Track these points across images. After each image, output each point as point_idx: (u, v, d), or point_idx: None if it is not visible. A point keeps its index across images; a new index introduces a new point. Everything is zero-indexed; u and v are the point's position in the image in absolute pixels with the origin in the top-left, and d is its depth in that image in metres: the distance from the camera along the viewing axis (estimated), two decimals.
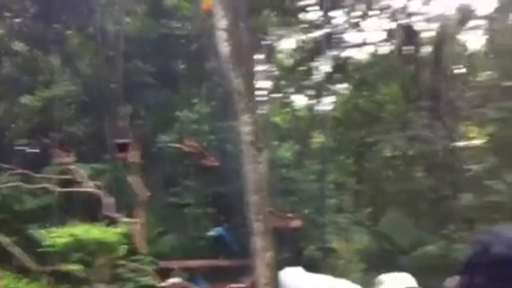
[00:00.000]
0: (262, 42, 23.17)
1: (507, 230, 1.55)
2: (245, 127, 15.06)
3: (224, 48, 15.29)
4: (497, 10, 22.47)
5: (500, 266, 1.49)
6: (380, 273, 4.74)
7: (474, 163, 22.04)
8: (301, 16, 24.15)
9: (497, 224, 1.69)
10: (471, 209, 19.91)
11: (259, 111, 19.01)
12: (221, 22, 15.28)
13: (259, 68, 22.73)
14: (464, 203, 20.46)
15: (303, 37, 24.70)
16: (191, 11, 21.39)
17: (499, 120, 21.46)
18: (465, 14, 22.98)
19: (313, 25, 23.80)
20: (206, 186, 19.85)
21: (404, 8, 23.02)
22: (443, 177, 21.07)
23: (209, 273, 18.74)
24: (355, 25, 23.75)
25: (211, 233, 19.36)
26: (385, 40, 24.13)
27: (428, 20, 23.05)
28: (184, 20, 21.75)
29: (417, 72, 22.82)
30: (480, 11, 22.99)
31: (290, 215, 19.10)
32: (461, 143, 22.42)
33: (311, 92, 25.23)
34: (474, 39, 24.08)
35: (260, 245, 14.68)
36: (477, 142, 22.89)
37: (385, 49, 24.46)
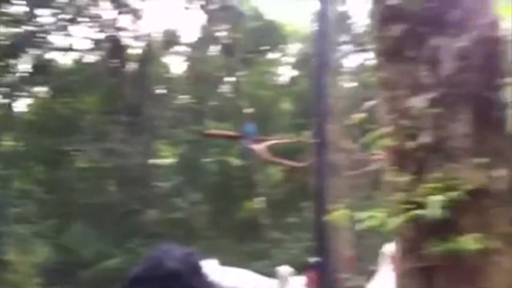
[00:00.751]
0: None
1: (175, 248, 1.73)
2: None
3: None
4: (199, 40, 24.25)
5: (167, 280, 1.64)
6: (57, 286, 4.52)
7: (163, 180, 23.17)
8: (4, 8, 22.21)
9: (178, 239, 1.90)
10: (156, 224, 20.85)
11: None
12: None
13: None
14: (150, 219, 21.32)
15: (3, 30, 22.75)
16: None
17: (188, 142, 23.14)
18: (171, 39, 24.20)
19: (16, 20, 22.12)
20: None
21: (113, 21, 23.09)
22: (134, 192, 21.54)
23: None
24: (63, 28, 22.87)
25: None
26: (92, 50, 23.80)
27: (136, 37, 23.55)
28: None
29: (120, 86, 23.04)
30: (185, 39, 24.51)
31: None
32: (154, 160, 23.30)
33: (5, 90, 23.30)
34: (176, 63, 25.48)
35: None
36: (168, 160, 24.11)
37: (91, 58, 24.10)
